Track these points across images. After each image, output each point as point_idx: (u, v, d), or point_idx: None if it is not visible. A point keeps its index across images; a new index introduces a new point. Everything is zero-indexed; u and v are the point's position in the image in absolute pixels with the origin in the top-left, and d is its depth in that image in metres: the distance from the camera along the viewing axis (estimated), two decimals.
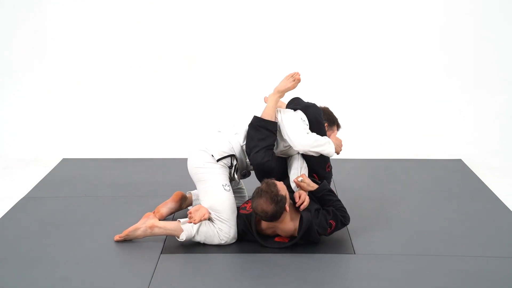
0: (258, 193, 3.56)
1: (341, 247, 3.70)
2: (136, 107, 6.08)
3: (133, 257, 3.59)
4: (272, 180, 3.61)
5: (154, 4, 5.99)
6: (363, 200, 4.45)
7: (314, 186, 3.78)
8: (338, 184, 4.77)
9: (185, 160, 5.36)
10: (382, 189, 4.70)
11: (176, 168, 5.13)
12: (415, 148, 5.70)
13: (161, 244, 3.72)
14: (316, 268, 3.47)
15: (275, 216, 3.55)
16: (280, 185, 3.59)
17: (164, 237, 3.80)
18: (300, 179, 3.76)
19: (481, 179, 4.91)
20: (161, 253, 3.62)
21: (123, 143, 5.79)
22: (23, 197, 4.52)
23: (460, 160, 5.39)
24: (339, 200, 3.82)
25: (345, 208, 3.78)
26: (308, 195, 3.74)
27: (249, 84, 6.01)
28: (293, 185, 3.83)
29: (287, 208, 3.58)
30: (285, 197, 3.56)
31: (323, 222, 3.65)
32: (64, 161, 5.38)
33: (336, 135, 4.08)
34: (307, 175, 3.85)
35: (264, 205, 3.52)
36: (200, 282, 3.32)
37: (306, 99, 4.17)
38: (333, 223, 3.68)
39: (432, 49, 6.01)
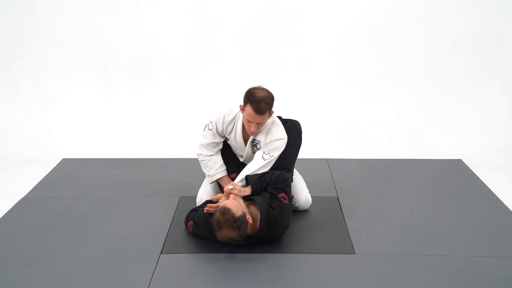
0: (217, 225, 3.52)
1: (341, 247, 3.70)
2: (136, 107, 6.08)
3: (133, 257, 3.59)
4: (225, 206, 3.55)
5: (154, 3, 5.99)
6: (363, 200, 4.45)
7: (246, 190, 3.82)
8: (338, 184, 4.77)
9: (185, 160, 5.39)
10: (382, 189, 4.69)
11: (176, 168, 5.13)
12: (415, 148, 5.70)
13: (161, 244, 3.73)
14: (316, 268, 3.47)
15: (243, 235, 3.56)
16: (234, 206, 3.55)
17: (164, 237, 3.81)
18: (230, 187, 3.80)
19: (481, 179, 4.91)
20: (161, 253, 3.62)
21: (123, 143, 5.79)
22: (23, 197, 4.52)
23: (460, 160, 5.39)
24: (272, 174, 3.86)
25: (280, 173, 3.83)
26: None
27: (248, 83, 5.99)
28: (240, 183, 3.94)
29: (250, 219, 3.58)
30: (243, 215, 3.53)
31: (277, 202, 3.69)
32: (64, 161, 5.38)
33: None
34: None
35: (229, 234, 3.52)
36: (200, 282, 3.33)
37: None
38: (285, 195, 3.73)
39: (432, 49, 6.01)
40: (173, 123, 5.99)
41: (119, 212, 4.24)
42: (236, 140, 4.12)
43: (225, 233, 3.52)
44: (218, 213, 3.54)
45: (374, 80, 6.07)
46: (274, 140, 4.00)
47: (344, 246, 3.72)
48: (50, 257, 3.59)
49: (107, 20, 6.00)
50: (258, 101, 3.79)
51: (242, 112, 3.93)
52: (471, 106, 5.99)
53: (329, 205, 4.32)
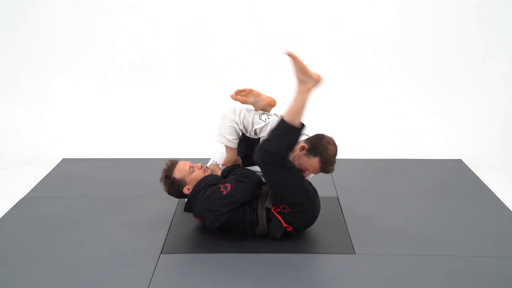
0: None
1: (341, 247, 3.70)
2: (136, 107, 6.08)
3: (133, 257, 3.59)
4: (175, 160, 3.87)
5: (154, 3, 5.99)
6: (363, 200, 4.45)
7: (218, 172, 4.02)
8: (338, 184, 4.77)
9: (184, 160, 5.37)
10: (382, 189, 4.69)
11: None
12: (415, 148, 5.70)
13: (161, 244, 3.73)
14: (316, 268, 3.47)
15: (171, 193, 3.85)
16: (180, 166, 3.82)
17: (164, 237, 3.81)
18: (213, 161, 4.12)
19: (481, 179, 4.91)
20: (161, 253, 3.62)
21: (123, 143, 5.79)
22: (23, 197, 4.52)
23: (460, 160, 5.39)
24: (241, 168, 3.89)
25: (244, 171, 3.81)
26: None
27: (249, 83, 5.99)
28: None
29: (186, 190, 3.78)
30: (178, 179, 3.78)
31: (210, 188, 3.71)
32: (64, 161, 5.38)
33: None
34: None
35: (163, 184, 3.85)
36: (200, 282, 3.33)
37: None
38: (228, 185, 3.68)
39: (431, 49, 6.01)
40: (173, 123, 5.99)
41: (119, 212, 4.25)
42: None
43: (162, 181, 3.85)
44: (168, 161, 3.89)
45: (374, 79, 6.08)
46: None
47: (344, 246, 3.72)
48: (50, 257, 3.59)
49: (107, 20, 6.00)
50: (331, 163, 3.62)
51: (301, 152, 3.66)
52: (471, 106, 5.99)
53: (329, 205, 4.32)
